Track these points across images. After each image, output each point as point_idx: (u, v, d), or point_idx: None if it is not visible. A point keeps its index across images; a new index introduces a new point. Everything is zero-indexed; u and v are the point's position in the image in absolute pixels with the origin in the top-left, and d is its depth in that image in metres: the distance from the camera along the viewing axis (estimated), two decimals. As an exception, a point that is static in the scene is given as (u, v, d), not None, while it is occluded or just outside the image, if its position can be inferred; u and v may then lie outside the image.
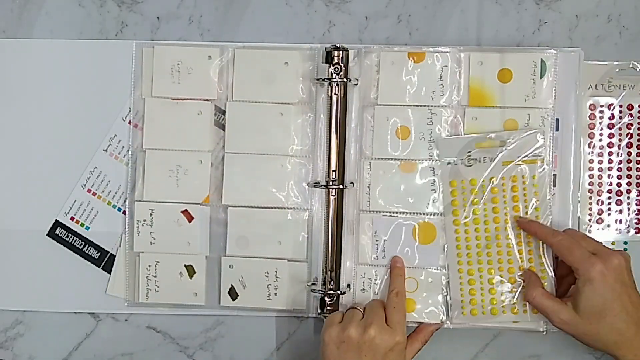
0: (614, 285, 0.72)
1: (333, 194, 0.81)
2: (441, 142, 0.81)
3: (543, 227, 0.78)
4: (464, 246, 0.80)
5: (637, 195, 0.83)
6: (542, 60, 0.80)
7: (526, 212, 0.79)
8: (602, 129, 0.83)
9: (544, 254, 0.79)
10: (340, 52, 0.81)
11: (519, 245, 0.79)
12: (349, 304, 0.81)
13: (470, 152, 0.80)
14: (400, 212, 0.81)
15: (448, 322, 0.81)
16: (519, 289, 0.79)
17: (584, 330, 0.73)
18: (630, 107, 0.83)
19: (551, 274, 0.79)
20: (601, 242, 0.76)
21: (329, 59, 0.81)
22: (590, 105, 0.83)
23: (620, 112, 0.83)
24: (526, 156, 0.80)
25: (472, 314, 0.80)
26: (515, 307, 0.80)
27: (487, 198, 0.80)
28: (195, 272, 0.83)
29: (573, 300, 0.74)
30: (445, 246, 0.81)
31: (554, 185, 0.81)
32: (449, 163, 0.81)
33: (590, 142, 0.83)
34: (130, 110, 0.84)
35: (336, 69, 0.81)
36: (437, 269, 0.81)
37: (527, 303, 0.78)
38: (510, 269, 0.80)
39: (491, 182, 0.80)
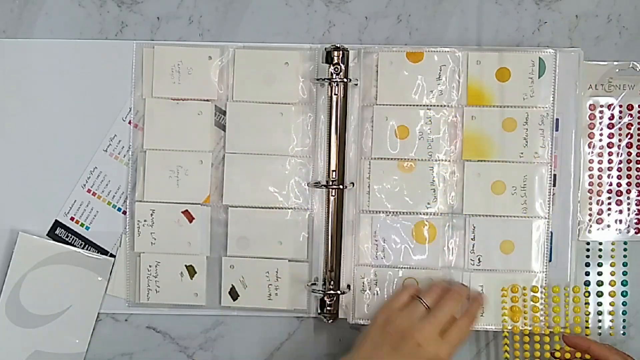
0: None
1: (333, 194, 0.81)
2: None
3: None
4: None
5: (637, 195, 0.83)
6: (540, 59, 0.80)
7: None
8: (602, 129, 0.83)
9: None
10: (340, 52, 0.81)
11: None
12: (349, 304, 0.81)
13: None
14: (400, 212, 0.81)
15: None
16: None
17: None
18: (630, 107, 0.83)
19: None
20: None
21: (329, 59, 0.81)
22: (590, 105, 0.83)
23: (620, 112, 0.83)
24: None
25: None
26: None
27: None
28: (196, 273, 0.83)
29: None
30: (445, 247, 0.81)
31: (554, 185, 0.81)
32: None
33: (590, 142, 0.83)
34: (130, 110, 0.84)
35: (336, 69, 0.81)
36: (438, 269, 0.81)
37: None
38: None
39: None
